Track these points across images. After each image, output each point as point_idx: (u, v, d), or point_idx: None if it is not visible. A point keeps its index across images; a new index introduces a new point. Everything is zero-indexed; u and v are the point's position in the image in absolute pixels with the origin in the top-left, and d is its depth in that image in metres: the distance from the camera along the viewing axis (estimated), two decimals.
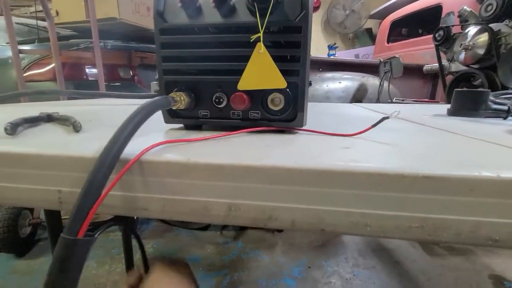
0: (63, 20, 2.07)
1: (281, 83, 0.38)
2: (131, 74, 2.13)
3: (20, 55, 1.63)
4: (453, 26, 1.59)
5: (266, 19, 0.36)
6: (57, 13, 2.06)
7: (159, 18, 0.39)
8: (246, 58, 0.38)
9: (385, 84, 2.53)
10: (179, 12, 0.39)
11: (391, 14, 4.19)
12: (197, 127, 0.44)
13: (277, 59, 0.37)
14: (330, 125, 0.52)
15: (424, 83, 3.26)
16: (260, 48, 0.37)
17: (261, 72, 0.38)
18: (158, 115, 0.39)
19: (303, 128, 0.41)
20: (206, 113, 0.43)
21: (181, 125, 0.44)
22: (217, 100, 0.41)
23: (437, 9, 3.34)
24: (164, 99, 0.35)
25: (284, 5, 0.37)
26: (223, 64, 0.39)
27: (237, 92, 0.39)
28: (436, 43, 1.69)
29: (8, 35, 1.41)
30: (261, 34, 0.36)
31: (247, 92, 0.39)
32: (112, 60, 2.00)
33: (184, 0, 0.38)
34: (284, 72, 0.38)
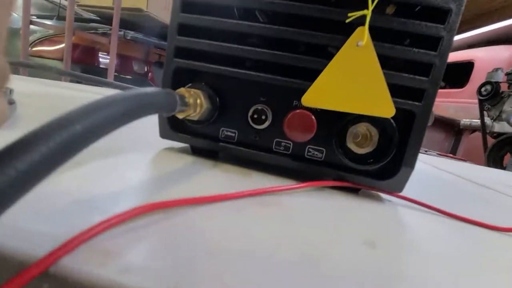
0: (90, 3, 1.98)
1: (387, 108, 0.20)
2: (146, 69, 1.99)
3: (33, 28, 1.52)
4: (502, 82, 1.45)
5: None
6: None
7: None
8: (326, 52, 0.21)
9: None
10: None
11: None
12: (211, 153, 0.26)
13: (387, 63, 0.20)
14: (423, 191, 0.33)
15: (446, 137, 3.10)
16: (362, 36, 0.20)
17: (352, 81, 0.20)
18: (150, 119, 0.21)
19: (403, 195, 0.23)
20: (232, 134, 0.25)
21: (185, 144, 0.26)
22: (255, 116, 0.24)
23: (468, 65, 3.27)
24: (165, 96, 0.17)
25: None
26: (279, 55, 0.22)
27: (298, 109, 0.22)
28: (481, 97, 1.53)
29: (22, 4, 1.30)
30: (369, 12, 0.19)
31: (314, 113, 0.22)
32: (128, 52, 1.87)
33: None
34: (395, 90, 0.20)
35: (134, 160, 0.21)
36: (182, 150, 0.26)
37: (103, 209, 0.12)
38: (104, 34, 1.69)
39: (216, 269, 0.10)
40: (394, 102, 0.20)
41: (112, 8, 1.70)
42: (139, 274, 0.09)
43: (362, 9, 0.19)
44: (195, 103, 0.21)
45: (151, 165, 0.21)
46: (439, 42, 0.19)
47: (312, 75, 0.21)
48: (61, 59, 1.70)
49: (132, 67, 1.91)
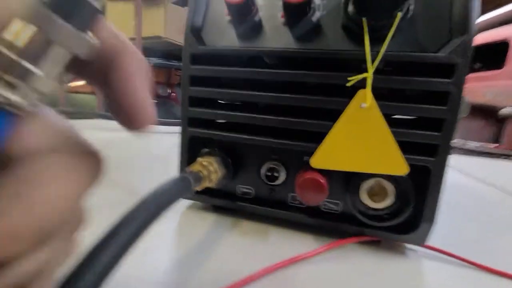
0: None
1: (399, 166, 0.20)
2: (169, 92, 2.10)
3: None
4: None
5: (384, 47, 0.19)
6: None
7: (193, 38, 0.24)
8: (332, 114, 0.21)
9: None
10: (226, 29, 0.24)
11: None
12: (231, 209, 0.27)
13: (395, 122, 0.20)
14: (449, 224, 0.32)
15: (486, 124, 2.85)
16: (365, 99, 0.20)
17: (359, 142, 0.20)
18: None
19: (428, 245, 0.22)
20: (249, 191, 0.26)
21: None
22: (268, 174, 0.24)
23: (503, 45, 2.99)
24: (180, 184, 0.18)
25: (417, 23, 0.20)
26: (284, 120, 0.22)
27: (307, 171, 0.22)
28: None
29: None
30: (369, 75, 0.19)
31: (325, 170, 0.22)
32: (153, 78, 2.00)
33: (235, 11, 0.23)
34: (406, 147, 0.20)
35: (160, 230, 0.23)
36: (203, 208, 0.28)
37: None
38: None
39: None
40: (407, 159, 0.20)
41: (134, 39, 1.82)
42: None
43: (362, 71, 0.20)
44: (209, 173, 0.23)
45: (176, 238, 0.22)
46: (447, 96, 0.19)
47: (318, 137, 0.21)
48: (93, 93, 1.85)
49: (157, 91, 2.02)
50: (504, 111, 1.86)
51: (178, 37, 2.03)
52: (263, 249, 0.21)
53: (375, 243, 0.23)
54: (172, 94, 2.12)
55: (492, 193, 0.43)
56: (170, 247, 0.21)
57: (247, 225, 0.25)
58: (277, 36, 0.23)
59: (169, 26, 1.93)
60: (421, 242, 0.21)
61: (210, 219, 0.26)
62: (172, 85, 2.12)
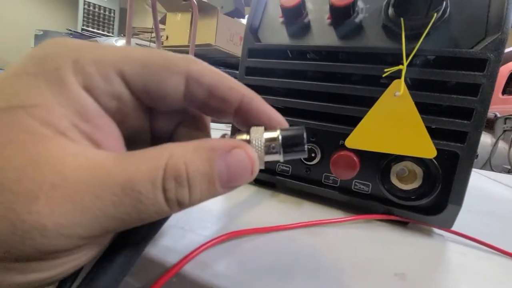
0: (171, 44, 2.37)
1: (427, 149, 0.22)
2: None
3: None
4: None
5: (419, 42, 0.22)
6: (167, 37, 2.38)
7: (251, 35, 0.29)
8: (367, 101, 0.24)
9: (501, 145, 2.00)
10: (279, 29, 0.29)
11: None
12: (269, 183, 0.31)
13: (425, 109, 0.22)
14: (484, 223, 0.32)
15: None
16: (399, 88, 0.22)
17: (391, 126, 0.23)
18: None
19: (455, 231, 0.23)
20: (287, 169, 0.30)
21: None
22: None
23: None
24: None
25: (453, 22, 0.22)
26: (325, 105, 0.26)
27: (342, 150, 0.25)
28: None
29: None
30: (404, 67, 0.22)
31: (358, 152, 0.25)
32: None
33: (288, 13, 0.27)
34: (435, 133, 0.22)
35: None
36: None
37: (197, 233, 0.19)
38: None
39: (268, 280, 0.15)
40: (437, 144, 0.22)
41: (188, 46, 1.99)
42: (223, 279, 0.14)
43: (397, 64, 0.22)
44: None
45: (224, 197, 0.27)
46: (478, 88, 0.21)
47: (355, 121, 0.24)
48: None
49: None
50: None
51: (226, 45, 2.17)
52: (297, 212, 0.25)
53: (402, 225, 0.25)
54: None
55: None
56: (219, 202, 0.25)
57: (284, 196, 0.29)
58: (323, 35, 0.27)
59: (219, 35, 2.08)
60: (448, 225, 0.23)
61: (252, 189, 0.30)
62: None
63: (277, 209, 0.25)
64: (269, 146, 0.12)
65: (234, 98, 0.13)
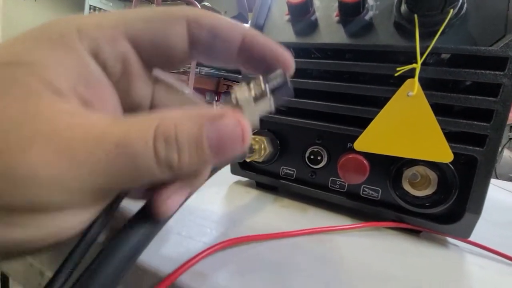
0: None
1: (443, 153, 0.21)
2: (216, 99, 2.24)
3: None
4: None
5: (434, 39, 0.21)
6: None
7: None
8: (378, 101, 0.23)
9: (506, 153, 1.97)
10: (285, 27, 0.28)
11: None
12: (272, 187, 0.30)
13: (440, 110, 0.21)
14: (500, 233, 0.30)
15: None
16: (412, 87, 0.21)
17: (404, 128, 0.22)
18: None
19: (472, 241, 0.22)
20: (291, 172, 0.28)
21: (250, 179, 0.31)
22: (311, 157, 0.27)
23: None
24: None
25: (469, 19, 0.21)
26: (332, 105, 0.25)
27: (351, 153, 0.24)
28: None
29: None
30: (418, 65, 0.21)
31: (367, 155, 0.23)
32: (203, 85, 2.16)
33: (295, 10, 0.26)
34: (451, 136, 0.20)
35: (212, 194, 0.26)
36: (248, 184, 0.31)
37: (195, 239, 0.17)
38: (184, 72, 2.00)
39: None
40: (453, 148, 0.20)
41: None
42: None
43: (410, 62, 0.21)
44: (259, 148, 0.26)
45: (225, 201, 0.26)
46: (499, 88, 0.19)
47: (364, 122, 0.23)
48: None
49: (205, 97, 2.17)
50: None
51: None
52: (302, 218, 0.23)
53: (414, 233, 0.23)
54: (218, 101, 2.26)
55: None
56: (220, 206, 0.24)
57: (288, 201, 0.27)
58: (331, 33, 0.26)
59: None
60: (465, 235, 0.21)
61: (254, 193, 0.28)
62: (219, 93, 2.26)
63: (280, 214, 0.24)
64: (256, 95, 0.12)
65: (237, 35, 0.13)
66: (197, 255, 0.14)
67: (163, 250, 0.15)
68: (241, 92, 0.12)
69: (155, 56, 0.12)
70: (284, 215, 0.24)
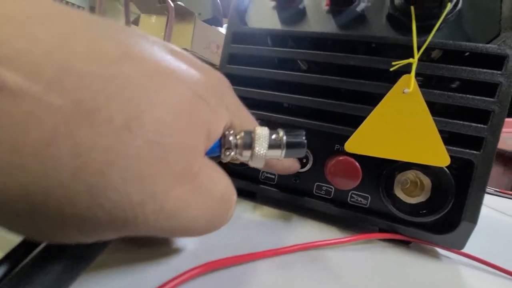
0: None
1: (440, 157, 0.19)
2: None
3: None
4: None
5: (432, 34, 0.19)
6: None
7: (237, 18, 0.25)
8: (370, 98, 0.21)
9: None
10: (270, 14, 0.25)
11: None
12: (250, 193, 0.26)
13: (439, 110, 0.19)
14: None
15: (505, 171, 2.75)
16: (408, 84, 0.19)
17: (399, 128, 0.20)
18: None
19: (465, 252, 0.20)
20: (272, 176, 0.25)
21: None
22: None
23: None
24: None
25: (464, 16, 0.20)
26: (319, 101, 0.22)
27: (340, 155, 0.21)
28: None
29: None
30: (415, 60, 0.19)
31: (357, 158, 0.21)
32: None
33: None
34: (450, 138, 0.19)
35: None
36: None
37: (162, 264, 0.13)
38: None
39: None
40: (449, 151, 0.19)
41: None
42: None
43: (407, 57, 0.19)
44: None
45: None
46: (496, 88, 0.18)
47: (355, 121, 0.21)
48: None
49: None
50: None
51: (203, 52, 2.14)
52: (286, 230, 0.20)
53: (404, 244, 0.22)
54: None
55: None
56: None
57: (268, 210, 0.24)
58: (319, 23, 0.23)
59: (196, 41, 2.03)
60: (459, 246, 0.20)
61: None
62: None
63: (262, 226, 0.20)
64: (273, 145, 0.13)
65: None
66: (164, 286, 0.10)
67: (120, 282, 0.11)
68: (261, 135, 0.13)
69: None
70: (266, 227, 0.20)
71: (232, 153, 0.13)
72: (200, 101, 0.10)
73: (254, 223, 0.20)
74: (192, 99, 0.10)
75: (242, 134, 0.13)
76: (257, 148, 0.13)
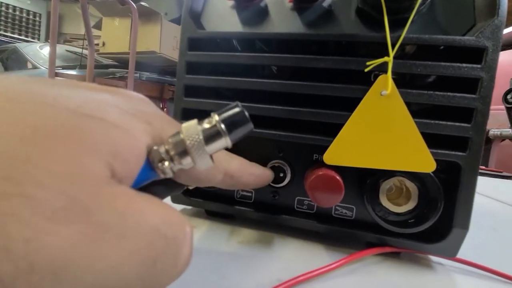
0: (108, 51, 2.14)
1: (425, 162, 0.17)
2: (161, 106, 2.08)
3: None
4: None
5: (405, 29, 0.17)
6: (103, 44, 2.14)
7: (192, 22, 0.22)
8: (347, 104, 0.19)
9: None
10: (229, 15, 0.22)
11: None
12: (229, 216, 0.24)
13: (418, 112, 0.18)
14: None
15: None
16: (386, 85, 0.17)
17: (380, 134, 0.18)
18: None
19: (458, 258, 0.19)
20: (249, 194, 0.23)
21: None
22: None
23: None
24: None
25: (437, 7, 0.19)
26: (291, 110, 0.20)
27: (319, 168, 0.19)
28: (508, 105, 1.44)
29: (49, 57, 1.44)
30: (390, 58, 0.17)
31: (337, 169, 0.19)
32: (145, 92, 1.97)
33: None
34: (434, 140, 0.17)
35: None
36: (195, 213, 0.24)
37: None
38: (121, 78, 1.79)
39: None
40: (434, 154, 0.17)
41: (128, 53, 1.81)
42: None
43: (379, 56, 0.18)
44: None
45: None
46: (477, 83, 0.17)
47: (333, 129, 0.19)
48: None
49: None
50: (492, 133, 1.91)
51: (172, 53, 2.04)
52: (268, 261, 0.18)
53: (393, 255, 0.20)
54: (164, 108, 2.09)
55: (495, 205, 0.41)
56: None
57: (247, 233, 0.21)
58: (284, 22, 0.21)
59: (164, 42, 1.94)
60: (452, 253, 0.18)
61: (203, 227, 0.22)
62: (164, 100, 2.10)
63: (240, 259, 0.18)
64: (210, 135, 0.11)
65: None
66: None
67: None
68: (190, 132, 0.11)
69: None
70: (245, 259, 0.18)
71: (166, 163, 0.10)
72: (89, 122, 0.09)
73: (229, 257, 0.18)
74: (72, 121, 0.08)
75: (169, 139, 0.11)
76: (189, 144, 0.10)
